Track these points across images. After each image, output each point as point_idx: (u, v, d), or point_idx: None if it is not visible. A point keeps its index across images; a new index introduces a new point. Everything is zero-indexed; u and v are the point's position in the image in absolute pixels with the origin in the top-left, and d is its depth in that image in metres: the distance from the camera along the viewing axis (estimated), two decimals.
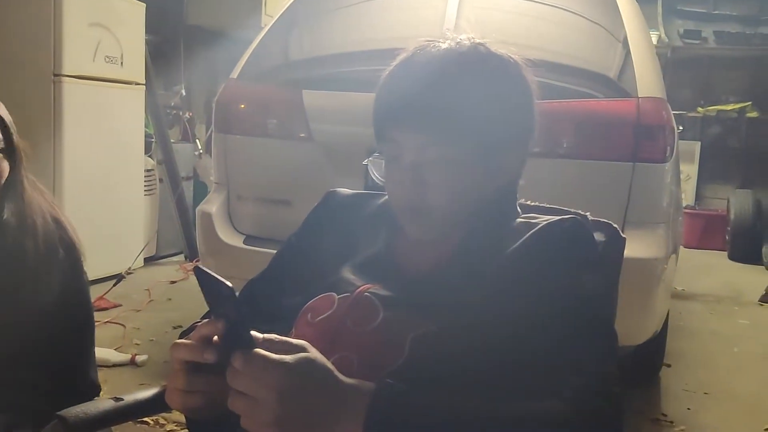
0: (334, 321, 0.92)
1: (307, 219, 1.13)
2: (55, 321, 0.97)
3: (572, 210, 1.06)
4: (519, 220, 0.99)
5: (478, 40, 0.97)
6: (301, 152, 2.70)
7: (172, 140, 4.93)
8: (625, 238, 1.05)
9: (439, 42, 0.96)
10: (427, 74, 0.93)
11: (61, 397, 0.85)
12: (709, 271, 5.57)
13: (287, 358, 0.70)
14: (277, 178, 2.75)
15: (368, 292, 0.94)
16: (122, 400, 0.88)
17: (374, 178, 1.01)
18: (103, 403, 0.88)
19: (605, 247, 1.02)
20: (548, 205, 1.11)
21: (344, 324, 0.91)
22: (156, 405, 0.96)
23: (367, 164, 1.02)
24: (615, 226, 1.05)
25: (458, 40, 0.96)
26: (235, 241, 2.73)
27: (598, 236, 1.01)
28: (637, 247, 2.28)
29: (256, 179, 2.81)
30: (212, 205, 2.79)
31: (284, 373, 0.69)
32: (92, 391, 1.05)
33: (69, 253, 1.03)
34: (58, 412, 0.83)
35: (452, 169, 0.92)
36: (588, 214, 1.04)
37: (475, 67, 0.95)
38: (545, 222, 0.96)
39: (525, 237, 0.94)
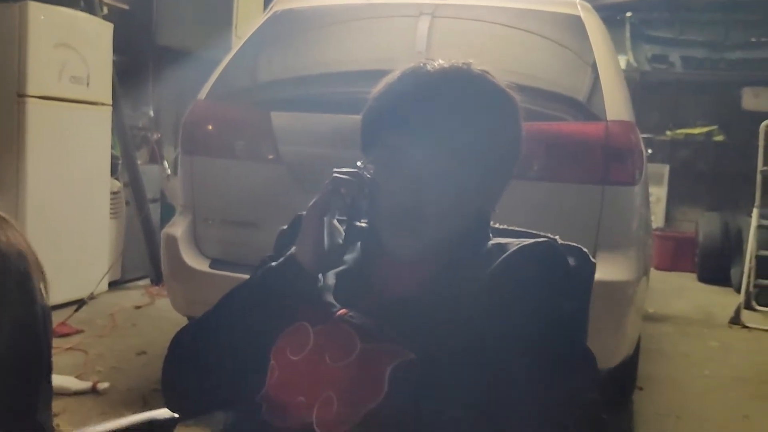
0: (314, 358, 0.90)
1: (276, 244, 1.10)
2: None
3: (542, 233, 1.04)
4: (490, 243, 0.98)
5: (484, 68, 0.97)
6: (269, 174, 2.65)
7: (139, 162, 4.85)
8: (594, 263, 1.03)
9: (444, 62, 0.96)
10: (434, 86, 0.93)
11: None
12: (680, 293, 5.61)
13: None
14: (245, 200, 2.70)
15: (344, 320, 0.91)
16: None
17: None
18: None
19: (576, 272, 1.00)
20: (518, 228, 1.09)
21: (323, 360, 0.90)
22: None
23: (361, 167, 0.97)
24: (585, 250, 1.03)
25: (467, 62, 0.96)
26: (201, 265, 2.66)
27: (569, 260, 0.99)
28: (608, 270, 2.27)
29: (223, 201, 2.76)
30: (178, 228, 2.73)
31: None
32: None
33: (21, 287, 0.97)
34: None
35: (449, 179, 0.91)
36: (557, 237, 1.02)
37: (483, 87, 0.95)
38: (519, 245, 0.94)
39: (499, 260, 0.92)
